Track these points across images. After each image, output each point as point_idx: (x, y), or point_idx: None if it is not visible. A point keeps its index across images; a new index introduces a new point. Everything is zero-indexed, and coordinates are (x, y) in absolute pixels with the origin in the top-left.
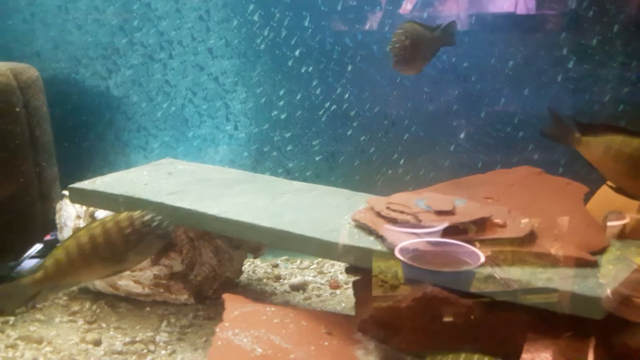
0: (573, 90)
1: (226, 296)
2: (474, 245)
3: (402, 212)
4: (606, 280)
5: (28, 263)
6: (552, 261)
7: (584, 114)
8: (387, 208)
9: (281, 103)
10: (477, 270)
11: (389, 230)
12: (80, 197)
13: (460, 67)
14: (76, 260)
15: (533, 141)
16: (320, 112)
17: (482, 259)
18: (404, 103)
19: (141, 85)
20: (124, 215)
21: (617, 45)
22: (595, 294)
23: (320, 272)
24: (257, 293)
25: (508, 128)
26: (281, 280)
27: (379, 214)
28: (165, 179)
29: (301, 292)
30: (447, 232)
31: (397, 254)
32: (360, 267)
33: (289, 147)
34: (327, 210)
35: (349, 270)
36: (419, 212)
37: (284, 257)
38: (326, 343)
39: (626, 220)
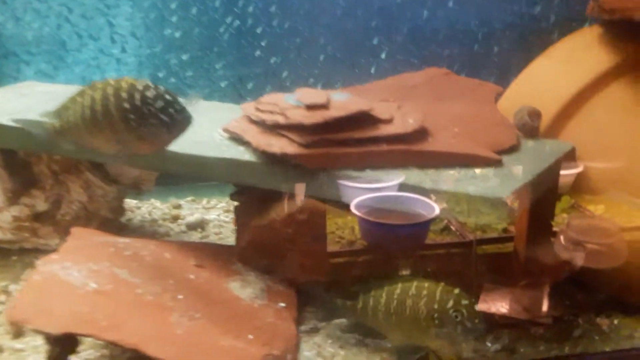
0: None
1: (75, 229)
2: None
3: (271, 112)
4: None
5: None
6: (447, 160)
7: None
8: (256, 109)
9: (174, 19)
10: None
11: (253, 134)
12: None
13: None
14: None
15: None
16: (222, 30)
17: (437, 211)
18: (318, 18)
19: (4, 1)
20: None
21: None
22: (494, 194)
23: (227, 211)
24: (146, 235)
25: (432, 45)
26: (179, 220)
27: (250, 120)
28: (16, 100)
29: (199, 230)
30: (322, 129)
31: (352, 209)
32: (237, 185)
33: (189, 73)
34: (203, 125)
35: (233, 197)
36: (287, 108)
37: (189, 198)
38: (192, 276)
39: (579, 169)
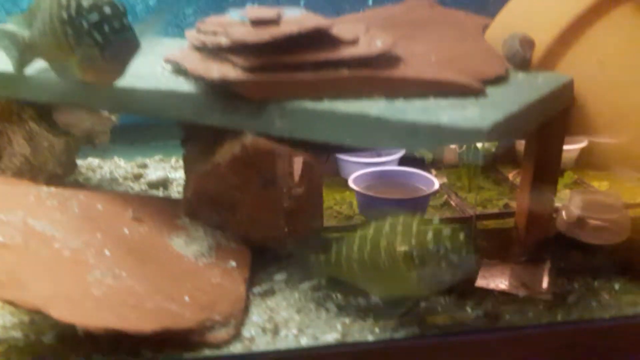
0: None
1: None
2: None
3: (214, 34)
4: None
5: None
6: (420, 88)
7: None
8: (198, 31)
9: None
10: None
11: (193, 60)
12: None
13: None
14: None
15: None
16: None
17: (437, 186)
18: None
19: None
20: None
21: None
22: (472, 125)
23: None
24: None
25: None
26: (141, 179)
27: (194, 47)
28: None
29: (161, 189)
30: (270, 49)
31: (350, 183)
32: (186, 129)
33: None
34: (149, 59)
35: (183, 143)
36: (230, 25)
37: (157, 157)
38: (126, 230)
39: (583, 144)
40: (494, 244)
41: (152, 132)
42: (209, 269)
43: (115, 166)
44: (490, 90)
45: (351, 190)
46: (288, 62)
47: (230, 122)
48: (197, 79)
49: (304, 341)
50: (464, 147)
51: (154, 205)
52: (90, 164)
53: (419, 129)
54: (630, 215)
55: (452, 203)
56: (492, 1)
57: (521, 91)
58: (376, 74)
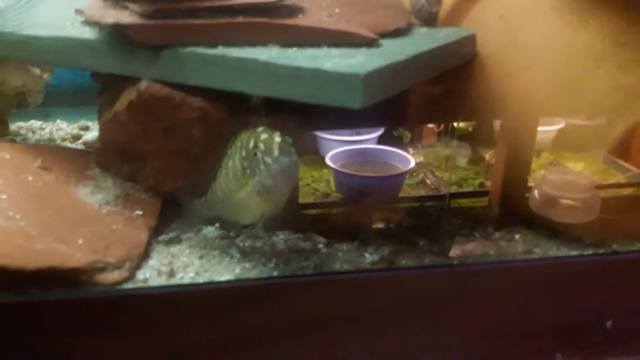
0: None
1: None
2: None
3: None
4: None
5: None
6: (314, 38)
7: None
8: None
9: None
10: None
11: (96, 8)
12: None
13: None
14: None
15: None
16: None
17: (412, 164)
18: None
19: None
20: None
21: None
22: (351, 70)
23: None
24: None
25: None
26: (80, 140)
27: None
28: None
29: None
30: None
31: (327, 161)
32: (103, 77)
33: None
34: (61, 10)
35: (100, 95)
36: None
37: None
38: (31, 178)
39: (561, 125)
40: (467, 221)
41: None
42: (111, 216)
43: (56, 128)
44: (386, 42)
45: (329, 167)
46: (183, 7)
47: (128, 69)
48: (94, 24)
49: None
50: (442, 126)
51: (66, 156)
52: (32, 126)
53: (303, 74)
54: (601, 196)
55: (428, 181)
56: None
57: (416, 43)
58: (271, 22)
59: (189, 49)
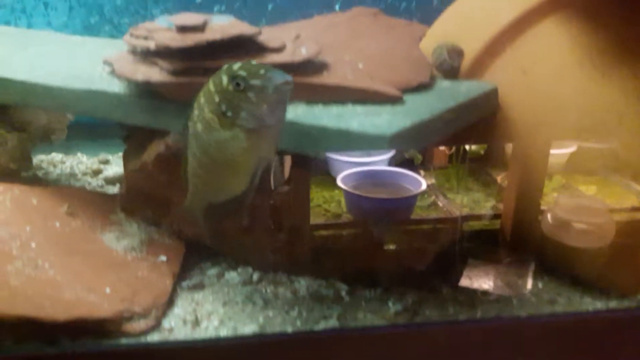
0: None
1: None
2: None
3: (145, 38)
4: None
5: None
6: (339, 95)
7: None
8: (131, 36)
9: None
10: None
11: (124, 63)
12: None
13: None
14: None
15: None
16: None
17: (424, 186)
18: None
19: None
20: None
21: None
22: (378, 132)
23: None
24: None
25: None
26: (100, 175)
27: (127, 47)
28: None
29: (117, 185)
30: (194, 54)
31: (338, 182)
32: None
33: (125, 19)
34: (91, 60)
35: (124, 140)
36: (157, 30)
37: (120, 153)
38: (58, 224)
39: (573, 149)
40: (480, 245)
41: (116, 129)
42: (137, 262)
43: (77, 161)
44: (410, 97)
45: (340, 188)
46: (210, 66)
47: (156, 123)
48: (125, 80)
49: (223, 333)
50: (453, 148)
51: (90, 200)
52: (52, 159)
53: (329, 134)
54: (615, 220)
55: (440, 204)
56: None
57: (439, 100)
58: (297, 81)
59: None
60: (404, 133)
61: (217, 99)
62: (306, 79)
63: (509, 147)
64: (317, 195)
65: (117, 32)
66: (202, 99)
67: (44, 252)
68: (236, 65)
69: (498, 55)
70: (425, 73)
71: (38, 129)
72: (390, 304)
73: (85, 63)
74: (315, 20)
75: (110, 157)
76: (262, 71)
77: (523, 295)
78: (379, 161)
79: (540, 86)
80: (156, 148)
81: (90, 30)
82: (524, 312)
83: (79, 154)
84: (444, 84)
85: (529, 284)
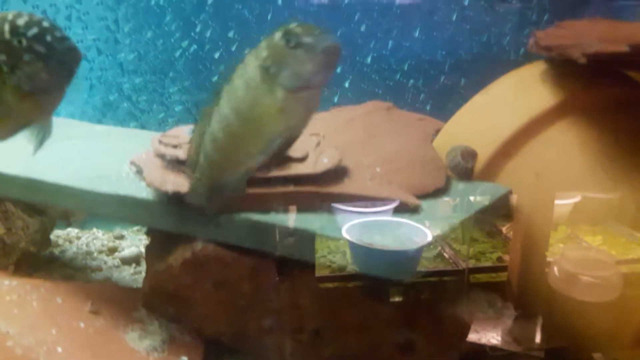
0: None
1: None
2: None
3: (173, 147)
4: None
5: None
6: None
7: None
8: (160, 142)
9: (128, 41)
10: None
11: (153, 169)
12: None
13: (342, 2)
14: None
15: (425, 90)
16: (178, 54)
17: (430, 238)
18: None
19: None
20: None
21: None
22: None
23: None
24: (74, 269)
25: (397, 75)
26: (116, 253)
27: (155, 152)
28: None
29: (133, 265)
30: None
31: (343, 233)
32: (151, 227)
33: (143, 96)
34: (118, 155)
35: (148, 232)
36: (185, 138)
37: (135, 228)
38: (82, 324)
39: (577, 199)
40: (487, 297)
41: None
42: None
43: (92, 237)
44: (427, 204)
45: (345, 239)
46: None
47: (183, 229)
48: (154, 189)
49: None
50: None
51: (112, 295)
52: (68, 235)
53: (353, 246)
54: (622, 272)
55: (445, 255)
56: None
57: (456, 208)
58: (320, 190)
59: (243, 215)
60: (421, 247)
61: (264, 53)
62: (327, 188)
63: (514, 198)
64: (322, 246)
65: (134, 108)
66: (248, 55)
67: (70, 357)
68: (293, 24)
69: (510, 157)
70: (441, 177)
71: (58, 214)
72: None
73: (111, 161)
74: (332, 114)
75: (124, 232)
76: (316, 31)
77: (531, 350)
78: (383, 211)
79: (553, 190)
80: (182, 253)
81: (109, 106)
82: None
83: (94, 229)
84: (459, 186)
85: (538, 338)
